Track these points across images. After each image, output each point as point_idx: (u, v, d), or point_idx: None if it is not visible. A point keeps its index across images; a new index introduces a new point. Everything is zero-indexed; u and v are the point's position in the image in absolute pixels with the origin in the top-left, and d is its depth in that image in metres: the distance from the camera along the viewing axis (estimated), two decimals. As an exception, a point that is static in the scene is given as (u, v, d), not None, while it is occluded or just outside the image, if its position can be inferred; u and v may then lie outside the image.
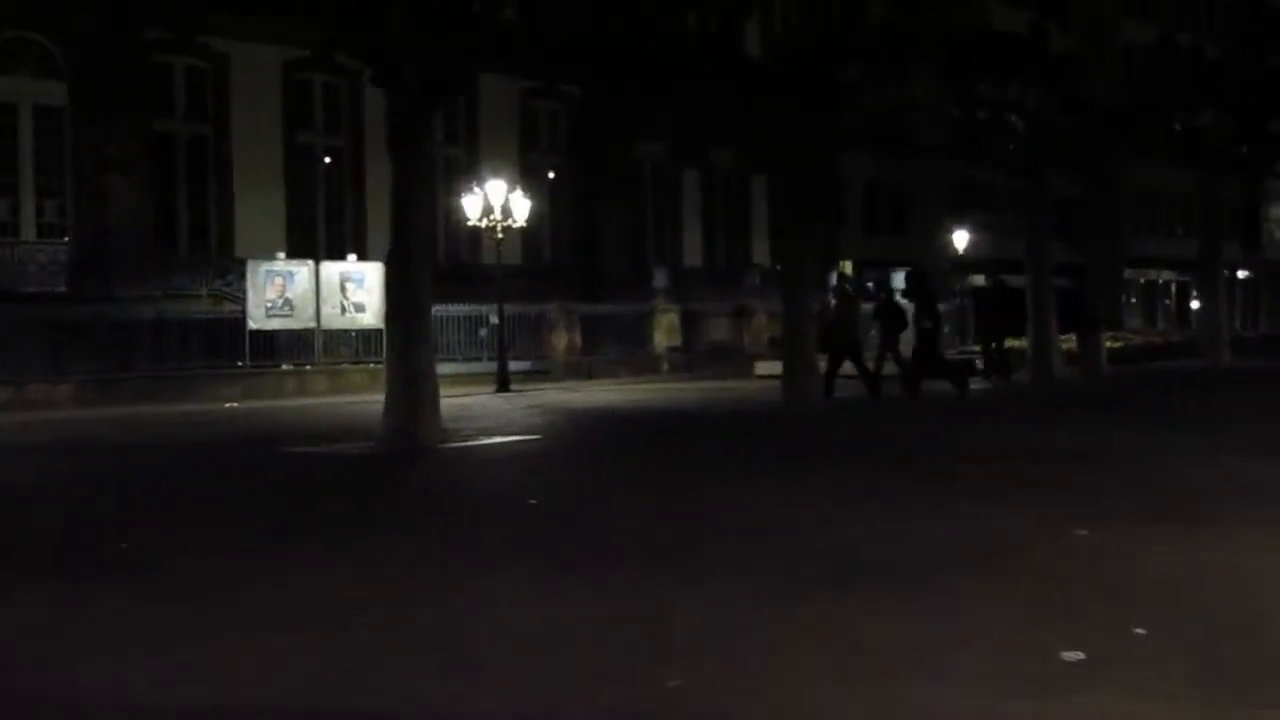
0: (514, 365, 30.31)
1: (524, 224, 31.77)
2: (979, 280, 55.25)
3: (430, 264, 15.43)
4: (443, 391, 28.11)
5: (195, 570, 7.98)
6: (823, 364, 21.45)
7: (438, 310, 30.75)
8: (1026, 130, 30.47)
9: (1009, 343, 29.15)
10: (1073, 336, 31.20)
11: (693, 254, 44.34)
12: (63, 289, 30.41)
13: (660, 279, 37.58)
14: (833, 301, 26.18)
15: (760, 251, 46.84)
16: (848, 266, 47.95)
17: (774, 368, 33.07)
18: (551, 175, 40.01)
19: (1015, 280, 29.93)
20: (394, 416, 15.06)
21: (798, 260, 20.83)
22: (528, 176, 34.46)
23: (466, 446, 15.10)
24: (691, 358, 36.40)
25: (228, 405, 26.26)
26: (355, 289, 30.45)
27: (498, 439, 15.95)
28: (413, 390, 14.96)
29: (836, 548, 8.12)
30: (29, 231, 30.78)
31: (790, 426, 18.11)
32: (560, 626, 6.21)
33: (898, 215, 54.82)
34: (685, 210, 44.55)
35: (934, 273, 49.04)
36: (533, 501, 10.70)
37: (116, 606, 6.96)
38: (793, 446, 15.17)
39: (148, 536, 9.28)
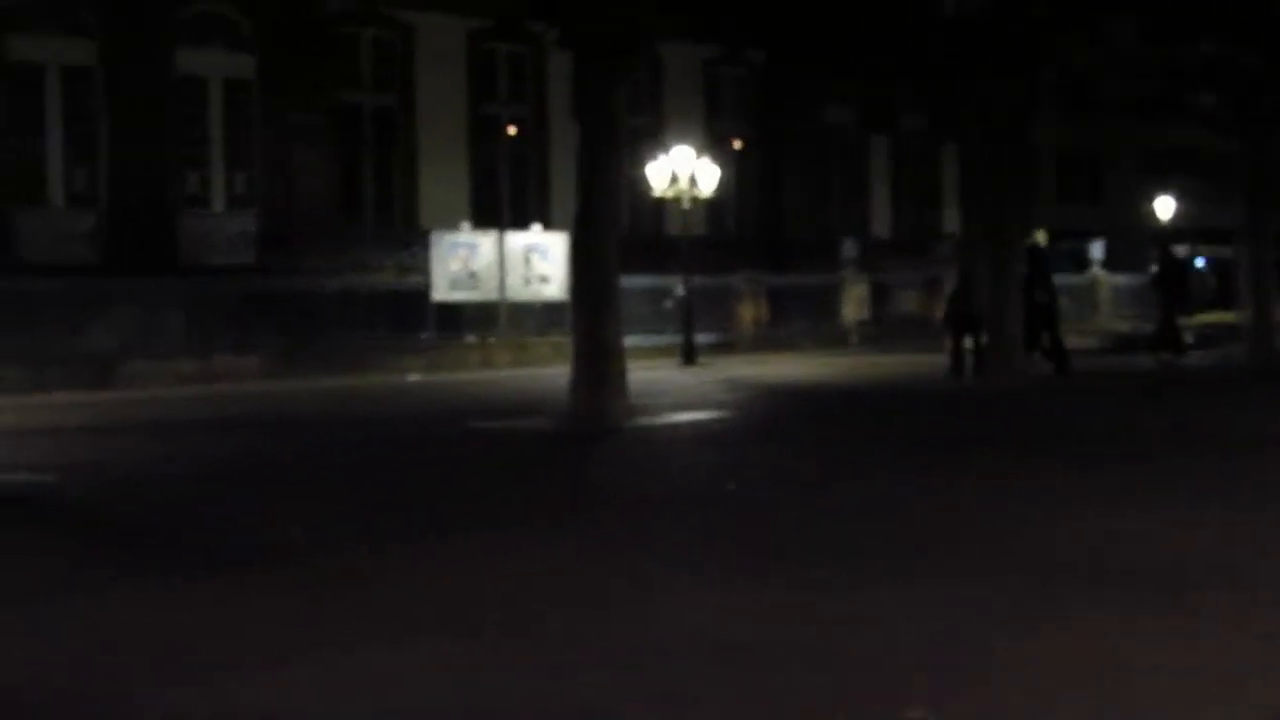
0: (699, 338, 29.64)
1: (711, 193, 31.02)
2: (1180, 251, 53.18)
3: (618, 234, 14.77)
4: (628, 366, 27.96)
5: (371, 563, 7.45)
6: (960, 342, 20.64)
7: (621, 282, 30.35)
8: (1238, 88, 28.73)
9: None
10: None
11: (880, 224, 43.16)
12: (250, 261, 30.55)
13: (848, 249, 36.56)
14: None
15: (950, 221, 45.43)
16: (1041, 236, 46.29)
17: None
18: (737, 144, 39.14)
19: (1221, 251, 28.32)
20: (580, 393, 14.48)
21: (1001, 229, 19.69)
22: (712, 146, 33.67)
23: (655, 425, 14.47)
24: (880, 331, 35.33)
25: (411, 378, 26.05)
26: (540, 260, 30.04)
27: (686, 416, 15.29)
28: (599, 366, 14.36)
29: (1059, 548, 7.28)
30: (219, 204, 30.99)
31: (987, 407, 17.12)
32: (770, 641, 5.51)
33: (1093, 182, 52.85)
34: (873, 178, 43.36)
35: (1131, 244, 47.29)
36: (730, 488, 10.00)
37: (281, 605, 6.44)
38: (991, 429, 14.23)
39: (323, 523, 8.81)
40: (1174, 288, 26.95)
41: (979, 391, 18.88)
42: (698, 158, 29.84)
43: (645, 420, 14.77)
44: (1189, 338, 27.77)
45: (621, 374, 14.61)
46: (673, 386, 21.08)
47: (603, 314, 14.51)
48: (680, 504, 9.50)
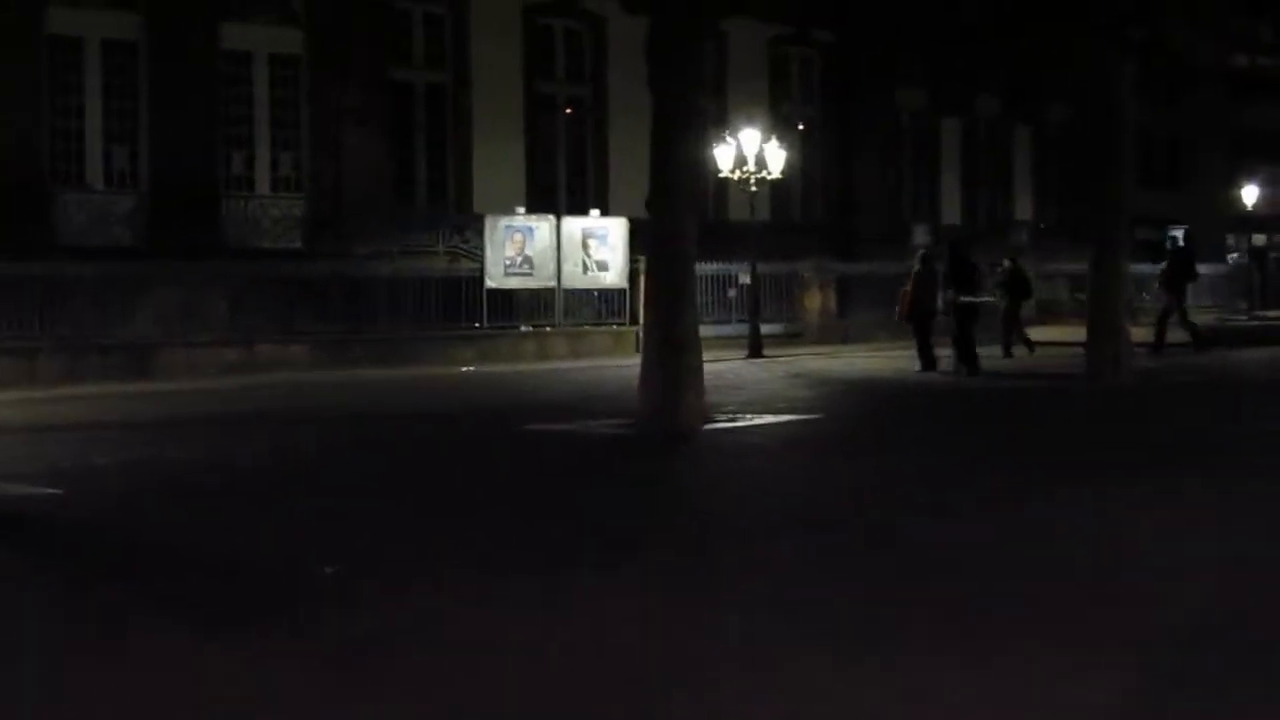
0: (765, 328, 28.13)
1: (779, 175, 29.49)
2: (1260, 240, 51.20)
3: (697, 217, 13.31)
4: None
5: (420, 614, 6.03)
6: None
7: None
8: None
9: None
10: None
11: (951, 210, 41.44)
12: (297, 245, 29.26)
13: (920, 236, 34.96)
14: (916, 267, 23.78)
15: (1022, 208, 43.72)
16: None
17: (1047, 333, 30.45)
18: (800, 126, 37.45)
19: None
20: (651, 392, 13.04)
21: (1105, 213, 18.02)
22: (778, 127, 32.09)
23: (734, 428, 13.00)
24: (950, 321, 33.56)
25: (464, 369, 24.71)
26: (598, 246, 28.60)
27: (767, 418, 13.81)
28: (673, 362, 12.92)
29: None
30: (264, 185, 29.68)
31: (1104, 407, 15.56)
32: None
33: (1173, 167, 50.85)
34: (944, 163, 41.65)
35: (1213, 231, 45.40)
36: (846, 507, 8.54)
37: (304, 677, 5.03)
38: (1118, 433, 12.69)
39: (365, 555, 7.39)
40: (1178, 280, 25.55)
41: (1093, 390, 17.28)
42: (766, 139, 28.28)
43: (724, 422, 13.32)
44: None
45: (698, 371, 13.16)
46: (742, 381, 19.59)
47: (678, 304, 13.07)
48: (796, 534, 7.94)
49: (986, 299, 23.44)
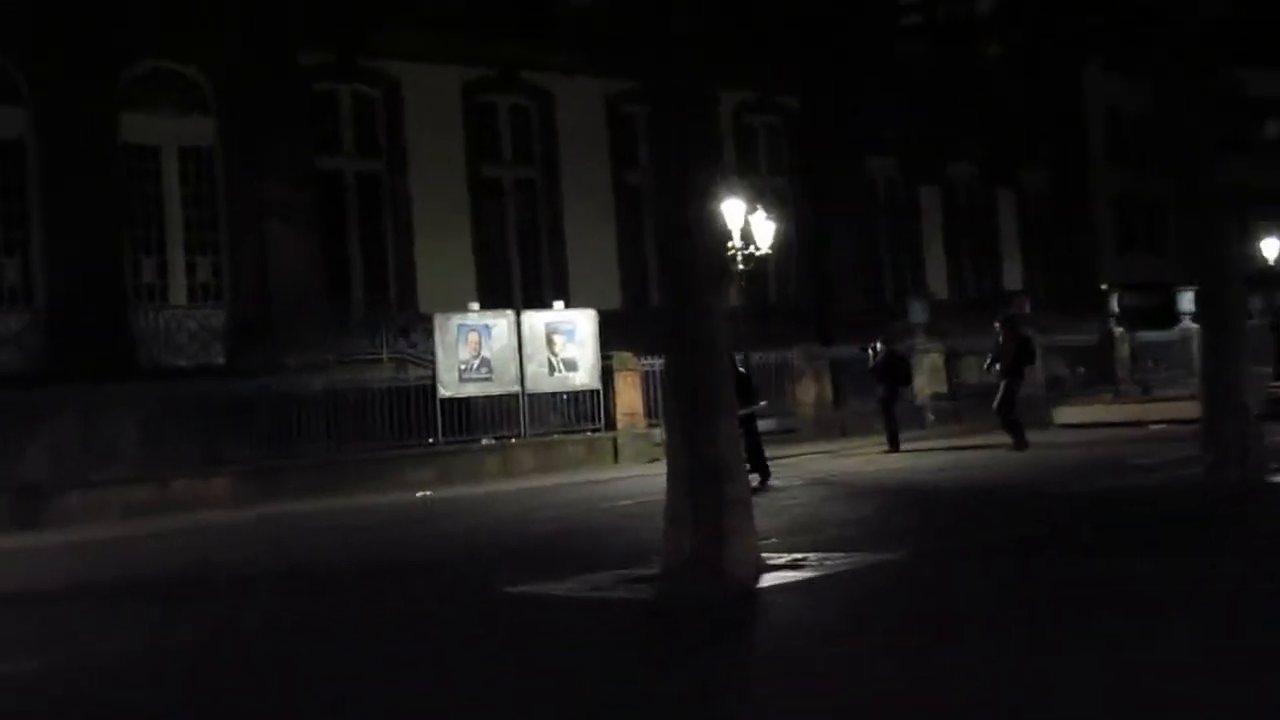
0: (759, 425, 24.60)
1: (767, 250, 26.17)
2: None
3: (725, 305, 9.87)
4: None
5: None
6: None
7: (661, 364, 25.38)
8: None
9: None
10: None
11: (936, 282, 38.23)
12: (219, 360, 25.63)
13: (916, 313, 31.65)
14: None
15: (1011, 277, 40.62)
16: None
17: (1079, 414, 27.19)
18: (759, 209, 33.68)
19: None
20: (681, 535, 9.51)
21: (1221, 276, 14.44)
22: (759, 199, 28.80)
23: (800, 582, 9.41)
24: (957, 405, 30.29)
25: (420, 494, 21.08)
26: (565, 342, 25.08)
27: (834, 560, 10.20)
28: (709, 493, 9.41)
29: None
30: (178, 294, 26.04)
31: (1246, 515, 12.10)
32: None
33: (1151, 230, 47.96)
34: (925, 233, 38.53)
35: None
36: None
37: None
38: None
39: None
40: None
41: (1218, 490, 13.74)
42: (750, 211, 24.97)
43: (782, 570, 9.76)
44: None
45: (744, 504, 9.65)
46: (760, 497, 16.03)
47: (711, 413, 9.57)
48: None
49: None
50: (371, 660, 7.86)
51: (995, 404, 21.69)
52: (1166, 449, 19.00)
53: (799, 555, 10.37)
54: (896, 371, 24.28)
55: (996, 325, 22.34)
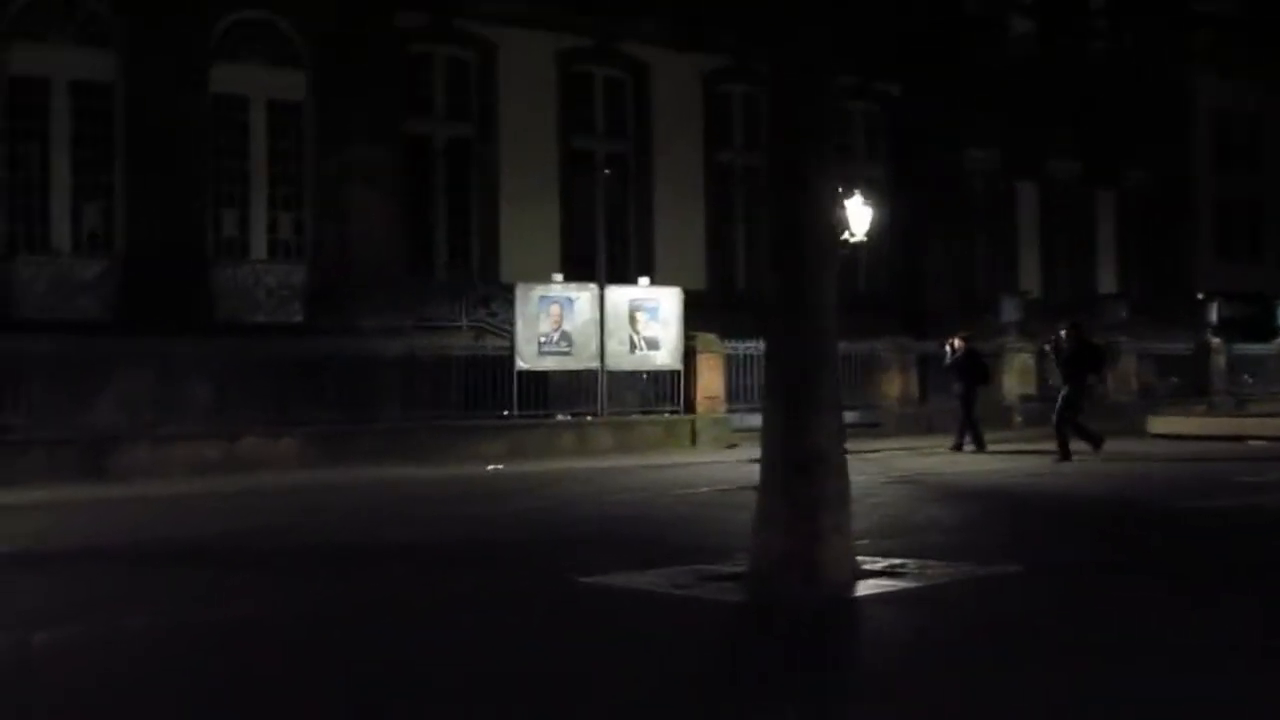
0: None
1: (863, 237, 25.35)
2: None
3: (836, 286, 9.13)
4: (757, 450, 22.19)
5: None
6: None
7: (744, 349, 24.78)
8: None
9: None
10: None
11: (1029, 281, 37.18)
12: (296, 319, 25.19)
13: (1009, 311, 30.79)
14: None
15: (1106, 280, 39.47)
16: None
17: (1173, 425, 26.18)
18: (856, 194, 32.76)
19: None
20: (773, 533, 8.80)
21: None
22: (855, 183, 27.97)
23: (902, 591, 8.68)
24: (1047, 407, 29.22)
25: (491, 468, 20.52)
26: (648, 320, 24.40)
27: (937, 569, 9.45)
28: (804, 490, 8.70)
29: None
30: (259, 250, 25.64)
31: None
32: None
33: (1253, 238, 46.52)
34: (1021, 231, 37.47)
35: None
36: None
37: None
38: None
39: None
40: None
41: None
42: (847, 196, 24.15)
43: (880, 577, 9.04)
44: None
45: (842, 502, 8.93)
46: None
47: (812, 405, 8.85)
48: None
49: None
50: (417, 656, 7.23)
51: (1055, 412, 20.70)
52: (1272, 468, 18.12)
53: (896, 561, 9.64)
54: (975, 370, 23.43)
55: (1061, 331, 21.41)
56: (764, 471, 9.09)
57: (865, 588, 8.70)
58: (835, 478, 8.89)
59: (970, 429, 22.76)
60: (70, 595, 9.49)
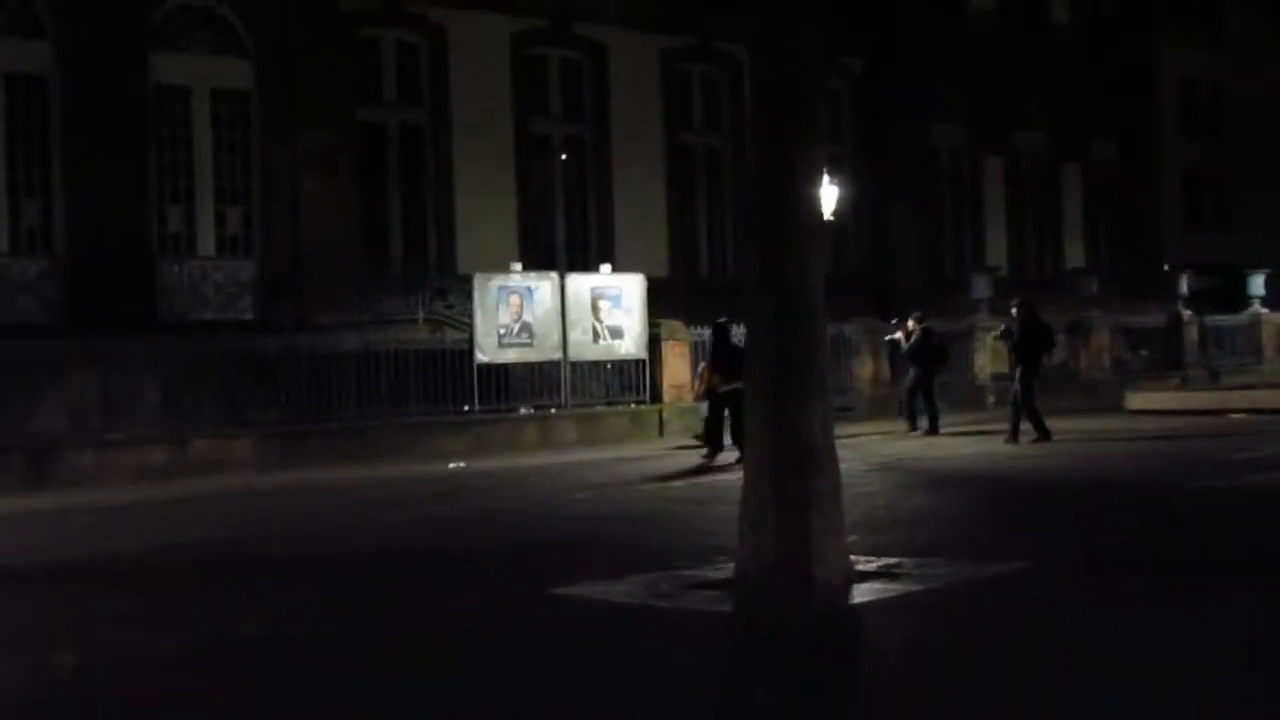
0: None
1: (830, 218, 24.65)
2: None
3: (821, 274, 8.41)
4: (726, 436, 21.39)
5: None
6: None
7: (705, 333, 23.90)
8: None
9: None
10: None
11: (996, 257, 36.59)
12: (247, 315, 24.32)
13: (980, 288, 30.13)
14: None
15: (1074, 254, 38.92)
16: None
17: (1151, 400, 25.60)
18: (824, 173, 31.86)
19: None
20: (761, 535, 8.06)
21: None
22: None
23: (902, 596, 7.95)
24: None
25: (453, 465, 19.73)
26: (610, 309, 23.64)
27: (936, 570, 8.74)
28: (794, 487, 7.97)
29: None
30: (206, 245, 24.75)
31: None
32: None
33: (1220, 208, 46.06)
34: (988, 206, 36.86)
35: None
36: None
37: None
38: None
39: None
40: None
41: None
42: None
43: (876, 580, 8.33)
44: None
45: (834, 499, 8.20)
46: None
47: (801, 396, 8.12)
48: None
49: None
50: (377, 691, 6.47)
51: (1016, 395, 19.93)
52: (1264, 442, 17.52)
53: (891, 561, 8.93)
54: (931, 352, 22.80)
55: (1013, 309, 20.68)
56: (748, 468, 8.36)
57: (862, 593, 7.98)
58: (826, 473, 8.16)
59: (928, 410, 22.17)
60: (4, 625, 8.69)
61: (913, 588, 8.09)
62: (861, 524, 10.73)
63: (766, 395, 8.20)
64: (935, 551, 9.40)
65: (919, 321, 22.96)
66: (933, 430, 21.89)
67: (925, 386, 22.45)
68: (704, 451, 19.04)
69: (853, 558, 8.60)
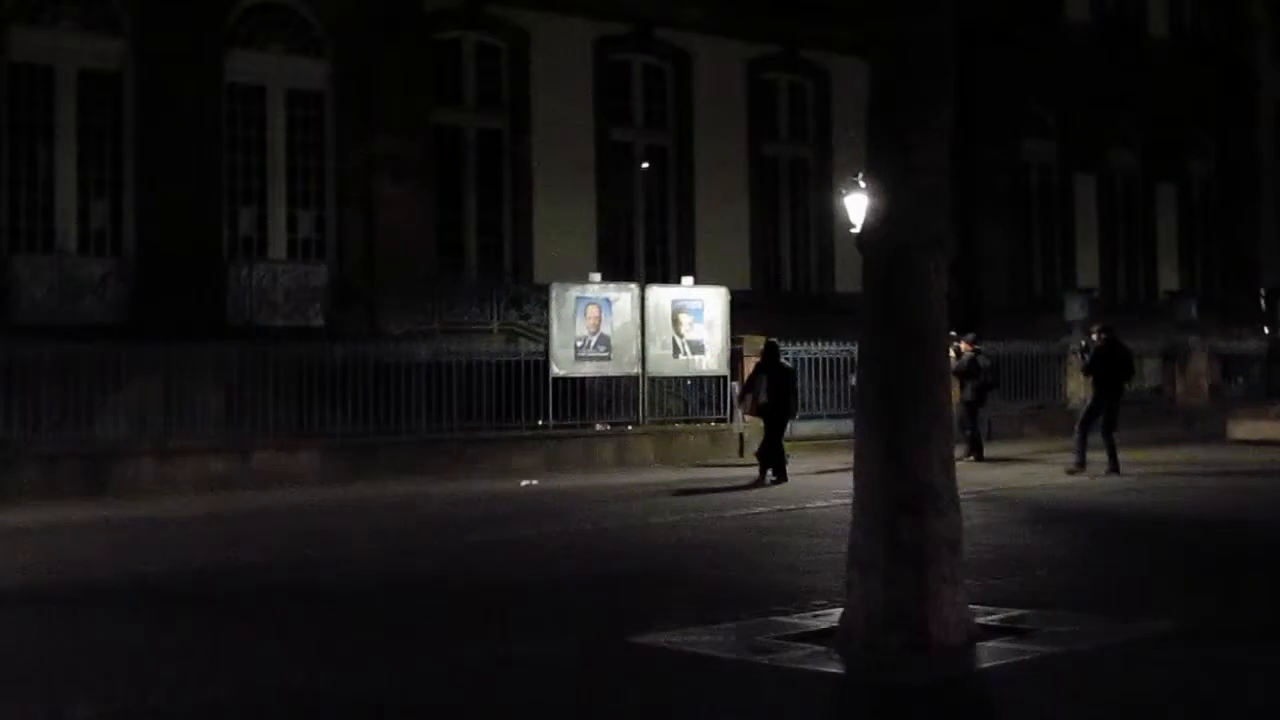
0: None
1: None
2: None
3: (944, 293, 7.52)
4: (808, 461, 20.53)
5: None
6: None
7: (794, 351, 23.05)
8: None
9: None
10: None
11: (1086, 278, 35.35)
12: (317, 322, 23.64)
13: (1074, 310, 28.99)
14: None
15: (1167, 276, 37.60)
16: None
17: (1254, 430, 24.39)
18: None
19: None
20: (870, 583, 7.16)
21: None
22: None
23: (1037, 660, 7.01)
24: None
25: (525, 483, 18.92)
26: (692, 322, 22.79)
27: (1072, 627, 7.75)
28: (910, 530, 7.08)
29: None
30: (277, 249, 24.10)
31: None
32: None
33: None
34: (1079, 225, 35.65)
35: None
36: None
37: None
38: None
39: None
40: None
41: None
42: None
43: (1000, 639, 7.39)
44: None
45: (956, 546, 7.30)
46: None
47: (918, 425, 7.23)
48: None
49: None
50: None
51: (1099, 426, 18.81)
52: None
53: (1015, 613, 8.00)
54: (979, 375, 21.80)
55: (1092, 334, 19.67)
56: (857, 507, 7.46)
57: (988, 654, 7.05)
58: (946, 516, 7.25)
59: (971, 437, 21.28)
60: (19, 658, 7.93)
61: (1045, 649, 7.14)
62: (975, 565, 9.78)
63: (881, 427, 7.30)
64: (1059, 602, 8.46)
65: (970, 345, 21.99)
66: (976, 456, 20.90)
67: (971, 411, 21.46)
68: (769, 472, 18.45)
69: (973, 607, 7.68)
